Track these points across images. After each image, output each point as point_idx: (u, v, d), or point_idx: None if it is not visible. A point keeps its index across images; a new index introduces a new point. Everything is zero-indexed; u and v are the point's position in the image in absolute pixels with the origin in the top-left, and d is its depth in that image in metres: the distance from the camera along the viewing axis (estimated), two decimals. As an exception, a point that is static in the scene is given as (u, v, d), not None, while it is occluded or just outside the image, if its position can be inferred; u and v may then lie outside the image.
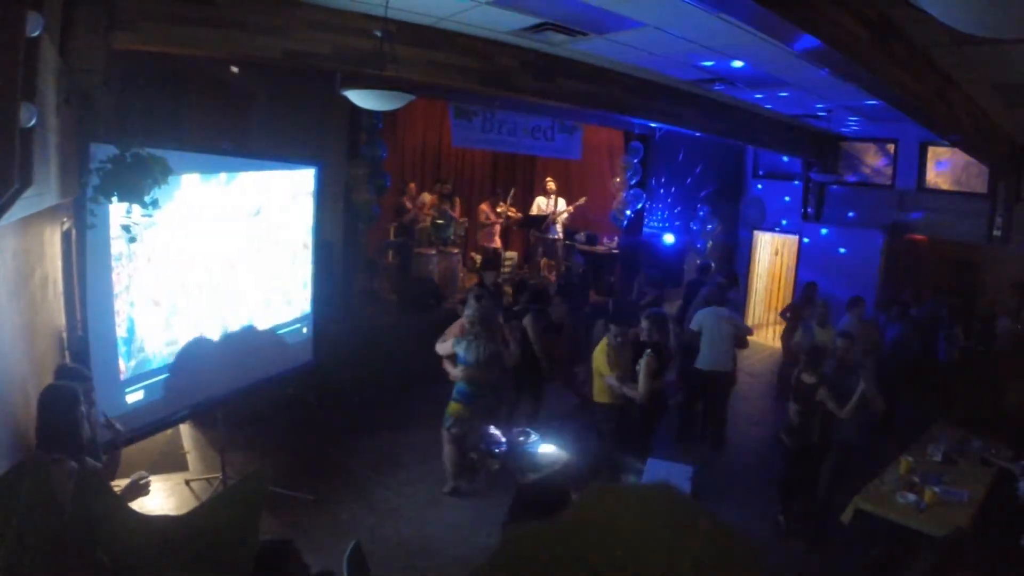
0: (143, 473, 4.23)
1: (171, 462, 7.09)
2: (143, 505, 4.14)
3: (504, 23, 6.88)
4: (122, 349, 5.41)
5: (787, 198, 15.12)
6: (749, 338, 9.33)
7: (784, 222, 15.19)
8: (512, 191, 14.23)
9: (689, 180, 14.92)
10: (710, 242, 14.45)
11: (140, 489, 4.12)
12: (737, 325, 8.68)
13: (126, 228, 4.82)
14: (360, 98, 5.97)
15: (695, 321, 8.82)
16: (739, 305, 11.44)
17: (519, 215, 14.11)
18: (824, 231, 14.53)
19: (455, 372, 6.80)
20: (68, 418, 3.83)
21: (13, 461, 3.70)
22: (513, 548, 0.88)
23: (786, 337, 11.06)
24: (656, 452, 6.85)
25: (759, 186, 15.67)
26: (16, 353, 4.02)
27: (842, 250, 14.15)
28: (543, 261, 14.33)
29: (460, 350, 6.72)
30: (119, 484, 4.42)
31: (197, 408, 6.42)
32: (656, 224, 14.50)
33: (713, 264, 14.15)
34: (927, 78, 6.91)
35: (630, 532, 0.85)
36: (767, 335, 14.00)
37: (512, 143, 12.49)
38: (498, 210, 13.61)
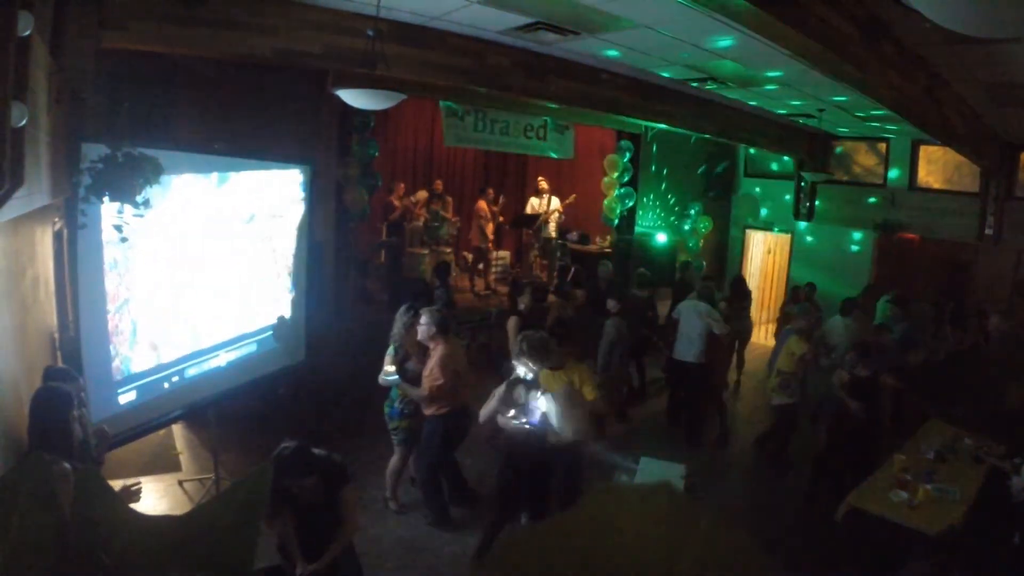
0: (137, 481, 4.22)
1: (164, 463, 7.07)
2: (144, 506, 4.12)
3: (496, 22, 6.87)
4: (114, 349, 5.40)
5: (780, 197, 15.16)
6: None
7: (775, 222, 15.24)
8: (498, 194, 14.26)
9: (680, 178, 14.94)
10: (701, 240, 14.47)
11: (132, 495, 4.11)
12: (708, 323, 8.90)
13: (118, 228, 4.80)
14: (351, 97, 5.96)
15: (677, 309, 9.39)
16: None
17: (503, 219, 14.09)
18: (816, 230, 14.57)
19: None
20: (60, 420, 3.81)
21: (5, 462, 3.68)
22: (513, 547, 0.88)
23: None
24: (651, 451, 6.85)
25: (751, 185, 15.70)
26: (7, 354, 4.01)
27: (834, 249, 14.21)
28: (536, 260, 14.33)
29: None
30: (121, 484, 4.41)
31: (189, 409, 6.40)
32: (648, 223, 14.51)
33: (705, 263, 14.20)
34: (917, 77, 6.93)
35: (630, 532, 0.85)
36: (760, 334, 14.00)
37: (504, 143, 12.47)
38: (493, 208, 13.59)
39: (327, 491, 4.32)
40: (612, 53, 7.93)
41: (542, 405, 5.66)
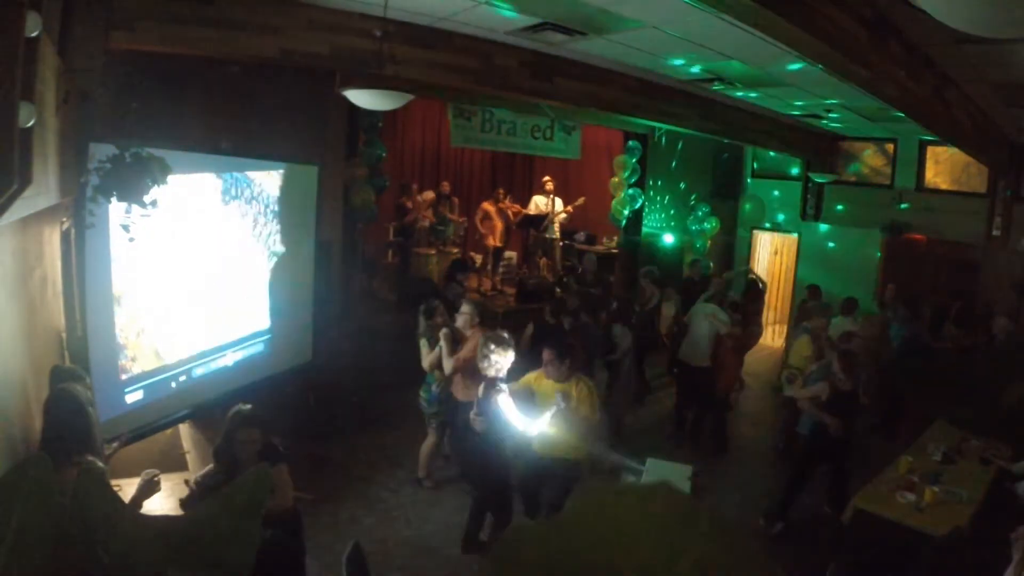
0: (154, 471, 4.22)
1: (171, 462, 7.07)
2: (145, 504, 4.13)
3: (503, 23, 6.87)
4: (121, 349, 5.42)
5: (785, 197, 15.13)
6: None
7: (782, 222, 15.22)
8: (504, 193, 14.25)
9: (688, 179, 14.93)
10: (708, 241, 14.45)
11: (153, 487, 4.12)
12: (714, 323, 8.88)
13: (125, 228, 4.81)
14: (359, 98, 5.97)
15: (689, 313, 9.36)
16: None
17: (522, 212, 14.07)
18: (823, 230, 14.55)
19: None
20: (83, 421, 3.85)
21: (12, 462, 3.69)
22: (514, 548, 0.89)
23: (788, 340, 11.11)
24: (655, 451, 6.85)
25: (758, 186, 15.67)
26: (15, 353, 4.01)
27: (841, 250, 14.18)
28: (541, 261, 14.32)
29: None
30: (130, 483, 4.42)
31: (197, 408, 6.42)
32: (655, 224, 14.49)
33: (712, 264, 14.17)
34: (925, 78, 6.91)
35: (630, 532, 0.85)
36: (767, 335, 13.97)
37: (511, 143, 12.46)
38: (500, 207, 13.58)
39: (263, 459, 4.58)
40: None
41: (504, 404, 5.66)
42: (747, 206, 15.63)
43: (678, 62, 8.12)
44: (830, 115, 11.12)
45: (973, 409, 7.59)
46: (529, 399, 5.81)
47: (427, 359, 6.94)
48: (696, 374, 8.96)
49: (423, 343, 6.98)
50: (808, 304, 10.61)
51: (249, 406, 4.71)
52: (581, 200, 13.78)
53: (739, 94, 10.06)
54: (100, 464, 3.54)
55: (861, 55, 5.47)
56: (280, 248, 7.18)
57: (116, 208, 4.78)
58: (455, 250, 13.04)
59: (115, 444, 4.81)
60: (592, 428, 5.95)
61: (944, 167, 12.83)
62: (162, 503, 6.30)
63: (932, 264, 12.78)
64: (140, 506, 4.01)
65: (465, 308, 6.92)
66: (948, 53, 6.53)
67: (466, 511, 6.75)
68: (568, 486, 5.87)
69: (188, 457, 7.25)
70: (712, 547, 0.85)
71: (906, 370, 9.03)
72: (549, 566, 0.85)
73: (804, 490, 6.98)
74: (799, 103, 10.46)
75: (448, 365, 6.62)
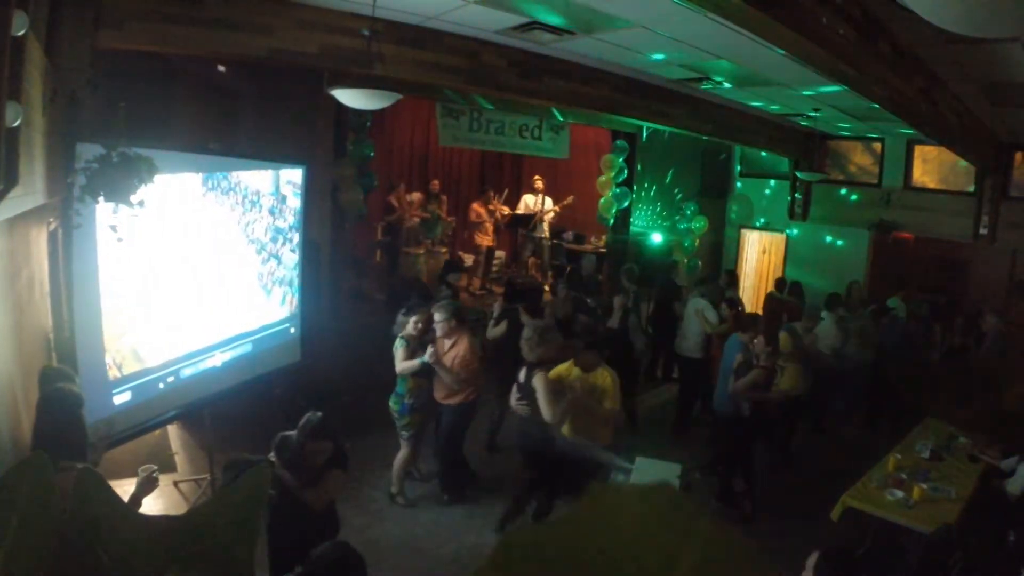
0: (152, 466, 4.20)
1: (159, 463, 7.01)
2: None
3: (492, 22, 6.87)
4: (109, 350, 5.39)
5: (776, 196, 15.16)
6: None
7: (770, 221, 15.25)
8: (506, 191, 14.24)
9: (676, 178, 14.94)
10: (697, 240, 14.47)
11: (152, 483, 4.10)
12: (700, 319, 9.26)
13: (113, 228, 4.79)
14: (347, 97, 5.95)
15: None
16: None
17: (510, 213, 14.07)
18: (811, 229, 14.58)
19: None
20: (75, 422, 3.83)
21: (1, 462, 3.67)
22: (512, 548, 0.88)
23: None
24: (646, 450, 6.86)
25: (746, 185, 15.70)
26: (3, 355, 3.99)
27: (829, 249, 14.22)
28: (530, 260, 14.31)
29: None
30: (119, 484, 4.40)
31: (185, 409, 6.39)
32: (643, 223, 14.50)
33: (700, 262, 14.20)
34: (912, 77, 6.93)
35: (630, 532, 0.85)
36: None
37: (499, 142, 12.46)
38: (490, 208, 13.57)
39: (322, 467, 4.64)
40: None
41: (541, 388, 6.07)
42: (734, 206, 15.69)
43: (665, 60, 8.12)
44: (817, 114, 11.14)
45: (965, 407, 7.64)
46: (559, 389, 6.21)
47: (400, 363, 6.69)
48: (690, 365, 9.43)
49: (399, 345, 6.70)
50: (774, 298, 10.76)
51: (319, 415, 4.63)
52: (570, 199, 13.79)
53: (728, 94, 10.08)
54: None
55: (849, 55, 5.48)
56: (268, 247, 7.16)
57: (103, 208, 4.76)
58: (444, 249, 13.02)
59: (101, 446, 4.79)
60: (613, 416, 6.37)
61: (931, 166, 12.88)
62: (152, 504, 6.29)
63: (920, 263, 12.83)
64: (140, 503, 4.00)
65: (438, 317, 6.59)
66: (936, 53, 6.56)
67: (453, 511, 6.76)
68: (590, 470, 6.18)
69: (176, 459, 7.24)
70: (712, 548, 0.85)
71: (895, 369, 9.10)
72: (549, 567, 0.85)
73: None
74: (787, 102, 10.49)
75: (453, 373, 6.59)
